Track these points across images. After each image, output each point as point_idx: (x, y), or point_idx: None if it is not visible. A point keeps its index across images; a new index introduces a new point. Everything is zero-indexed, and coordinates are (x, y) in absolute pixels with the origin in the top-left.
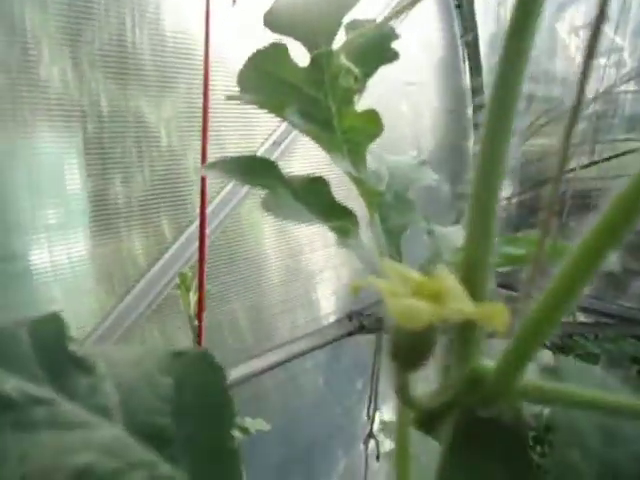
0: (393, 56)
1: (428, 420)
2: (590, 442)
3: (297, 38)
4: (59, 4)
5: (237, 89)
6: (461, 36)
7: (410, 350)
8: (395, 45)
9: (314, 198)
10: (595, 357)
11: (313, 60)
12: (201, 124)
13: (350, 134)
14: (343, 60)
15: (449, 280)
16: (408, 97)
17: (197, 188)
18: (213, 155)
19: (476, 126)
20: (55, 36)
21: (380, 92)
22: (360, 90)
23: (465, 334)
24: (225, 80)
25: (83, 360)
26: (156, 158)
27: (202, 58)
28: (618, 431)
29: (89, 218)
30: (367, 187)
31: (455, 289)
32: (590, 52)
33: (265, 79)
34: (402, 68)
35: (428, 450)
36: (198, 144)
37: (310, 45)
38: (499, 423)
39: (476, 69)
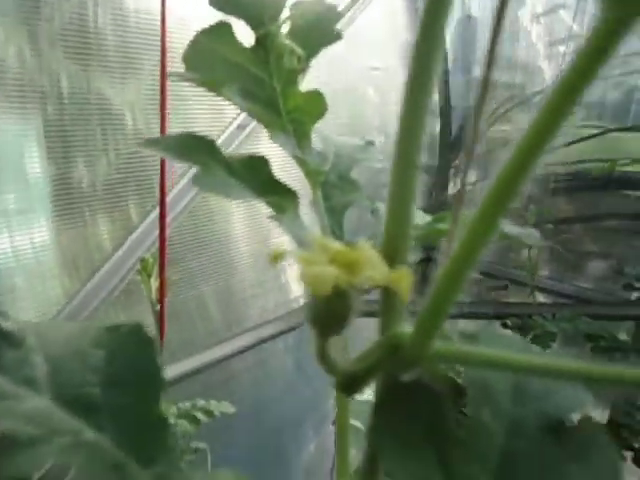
0: (336, 37)
1: (349, 384)
2: (500, 401)
3: (242, 17)
4: None
5: None
6: None
7: (326, 316)
8: (359, 29)
9: (251, 174)
10: (552, 335)
11: (258, 40)
12: (161, 106)
13: (295, 114)
14: (286, 41)
15: (367, 250)
16: (374, 82)
17: None
18: None
19: (442, 110)
20: (12, 13)
21: (346, 77)
22: (304, 70)
23: (387, 302)
24: None
25: (12, 334)
26: (120, 140)
27: (167, 37)
28: (527, 390)
29: (51, 202)
30: (310, 167)
31: (371, 258)
32: (497, 29)
33: (210, 58)
34: (367, 53)
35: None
36: None
37: (255, 25)
38: (418, 385)
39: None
